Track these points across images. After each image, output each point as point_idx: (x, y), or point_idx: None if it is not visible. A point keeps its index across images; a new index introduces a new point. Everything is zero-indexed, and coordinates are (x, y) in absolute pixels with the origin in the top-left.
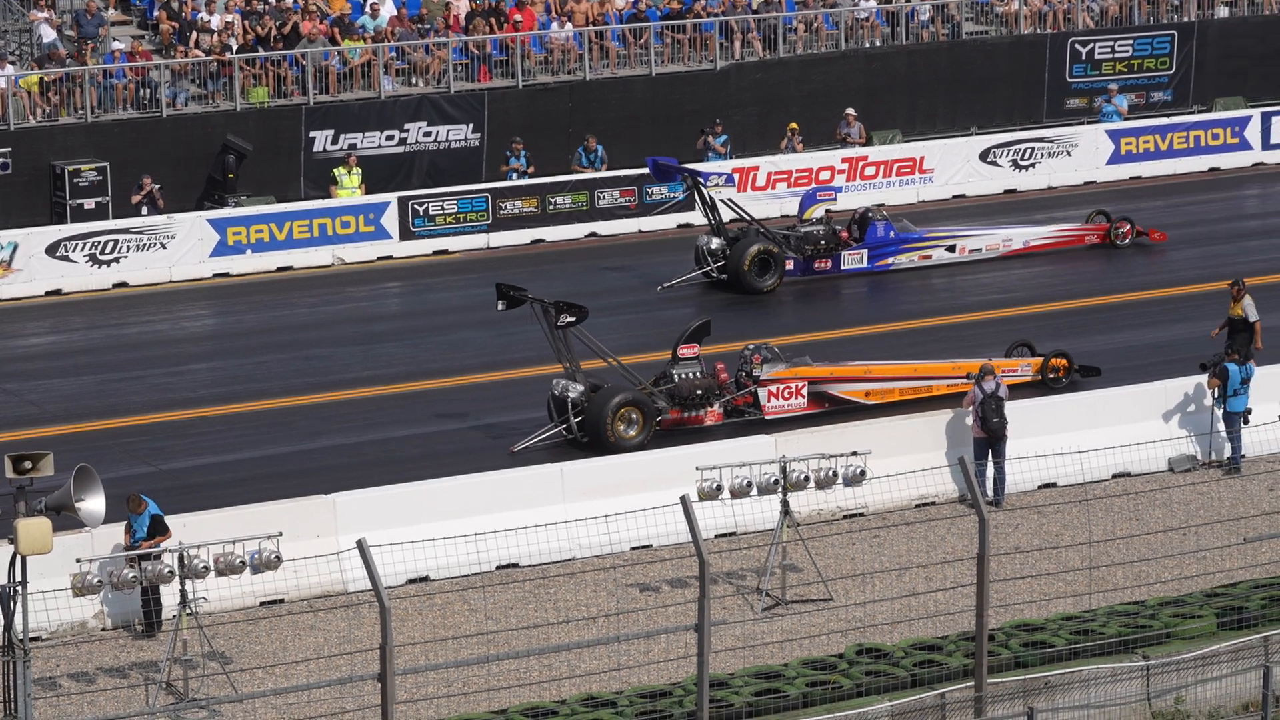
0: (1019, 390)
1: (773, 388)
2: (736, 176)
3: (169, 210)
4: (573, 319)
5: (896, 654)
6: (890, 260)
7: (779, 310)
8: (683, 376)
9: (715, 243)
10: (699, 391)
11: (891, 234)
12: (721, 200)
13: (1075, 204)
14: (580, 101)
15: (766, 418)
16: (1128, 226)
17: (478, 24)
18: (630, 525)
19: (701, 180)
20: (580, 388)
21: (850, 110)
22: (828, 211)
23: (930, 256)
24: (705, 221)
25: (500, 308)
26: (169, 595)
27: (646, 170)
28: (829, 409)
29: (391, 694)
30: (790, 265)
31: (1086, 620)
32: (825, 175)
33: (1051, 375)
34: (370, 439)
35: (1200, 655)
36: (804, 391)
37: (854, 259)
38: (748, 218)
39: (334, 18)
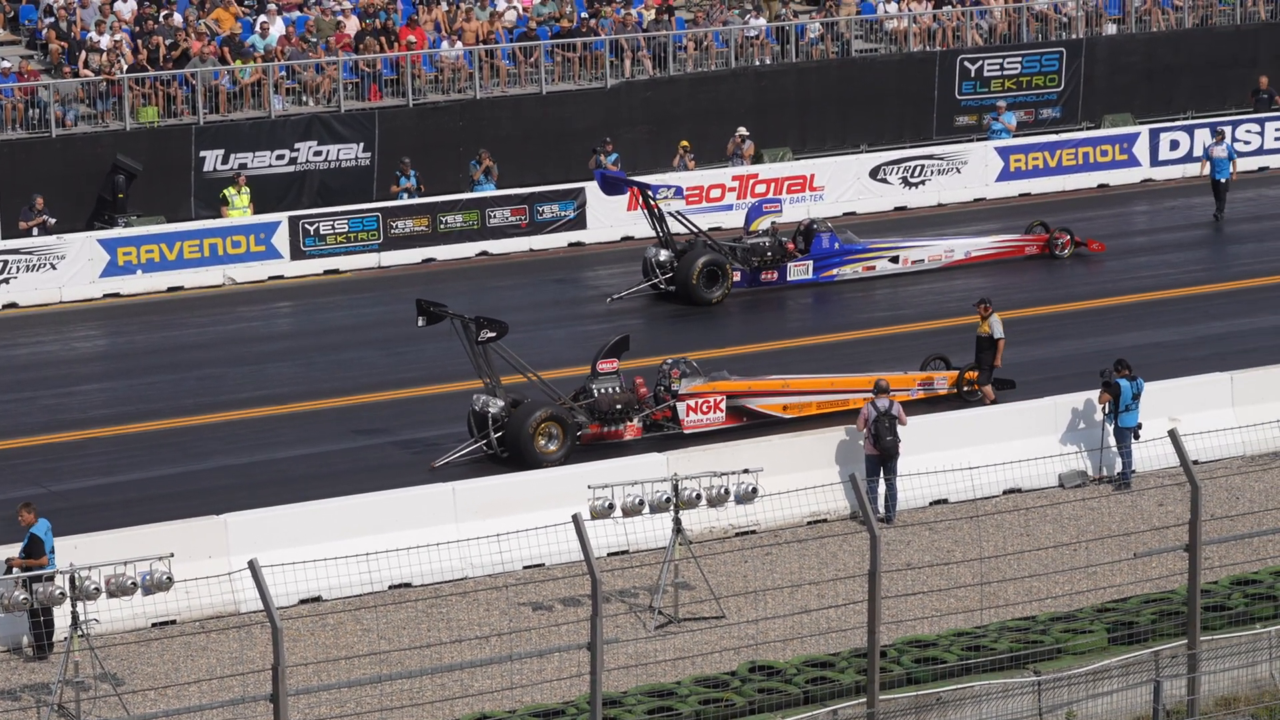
0: (934, 404)
1: (691, 402)
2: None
3: (58, 231)
4: (493, 334)
5: (789, 671)
6: (835, 271)
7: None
8: (602, 391)
9: (663, 255)
10: (618, 406)
11: (836, 245)
12: (670, 213)
13: (966, 221)
14: (471, 120)
15: (685, 432)
16: (1067, 237)
17: (368, 43)
18: (523, 544)
19: (650, 193)
20: (500, 403)
21: (742, 130)
22: (773, 223)
23: (874, 267)
24: (653, 234)
25: (420, 324)
26: (60, 617)
27: (539, 189)
28: (747, 423)
29: (284, 715)
30: (737, 277)
31: (978, 636)
32: (716, 193)
33: (967, 388)
34: (262, 459)
35: (1091, 670)
36: (722, 406)
37: (799, 270)
38: (695, 230)
39: (223, 37)
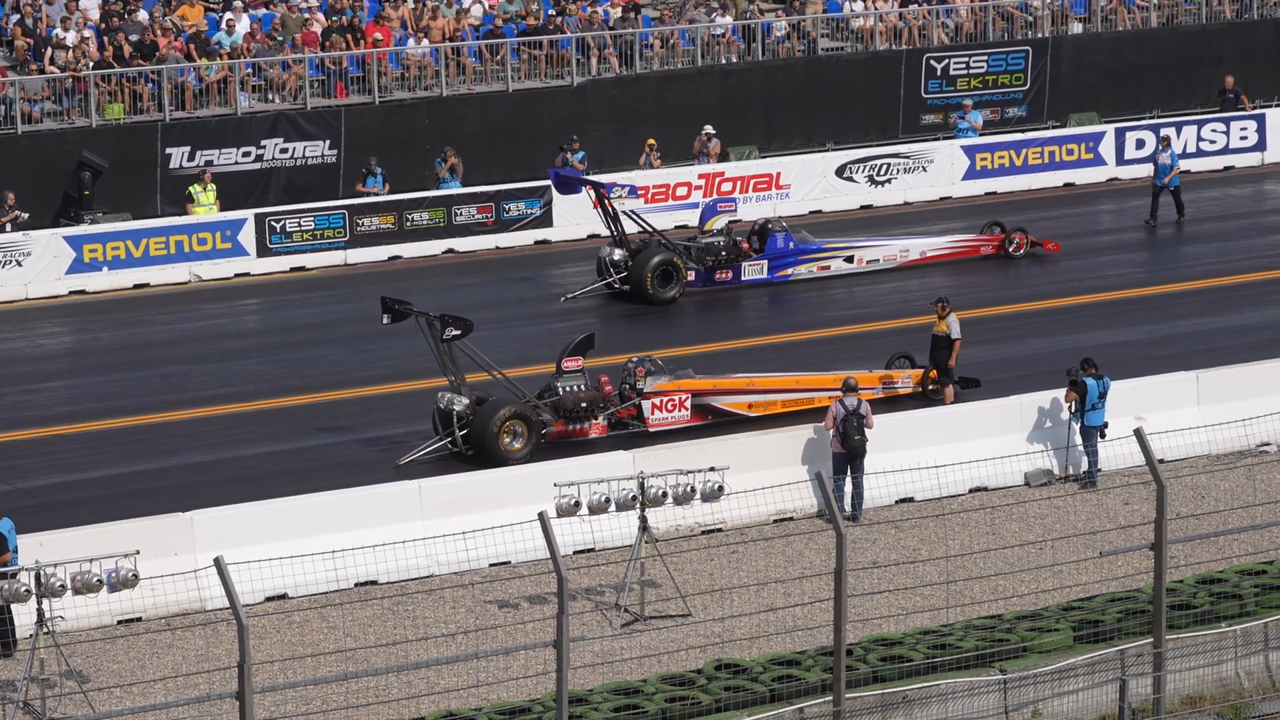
0: (899, 402)
1: (656, 400)
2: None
3: (24, 227)
4: (458, 333)
5: (755, 669)
6: (790, 271)
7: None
8: (567, 389)
9: (618, 254)
10: (583, 404)
11: (791, 245)
12: (624, 212)
13: (932, 219)
14: (437, 118)
15: (650, 430)
16: (1022, 237)
17: (334, 40)
18: (489, 542)
19: (605, 191)
20: (465, 401)
21: (708, 128)
22: (728, 223)
23: (829, 267)
24: (608, 232)
25: (385, 321)
26: (25, 614)
27: (505, 186)
28: (712, 421)
29: (250, 712)
30: (691, 276)
31: (944, 634)
32: (682, 191)
33: (932, 387)
34: (228, 456)
35: (1057, 669)
36: (687, 404)
37: (754, 270)
38: (649, 229)
39: (190, 34)
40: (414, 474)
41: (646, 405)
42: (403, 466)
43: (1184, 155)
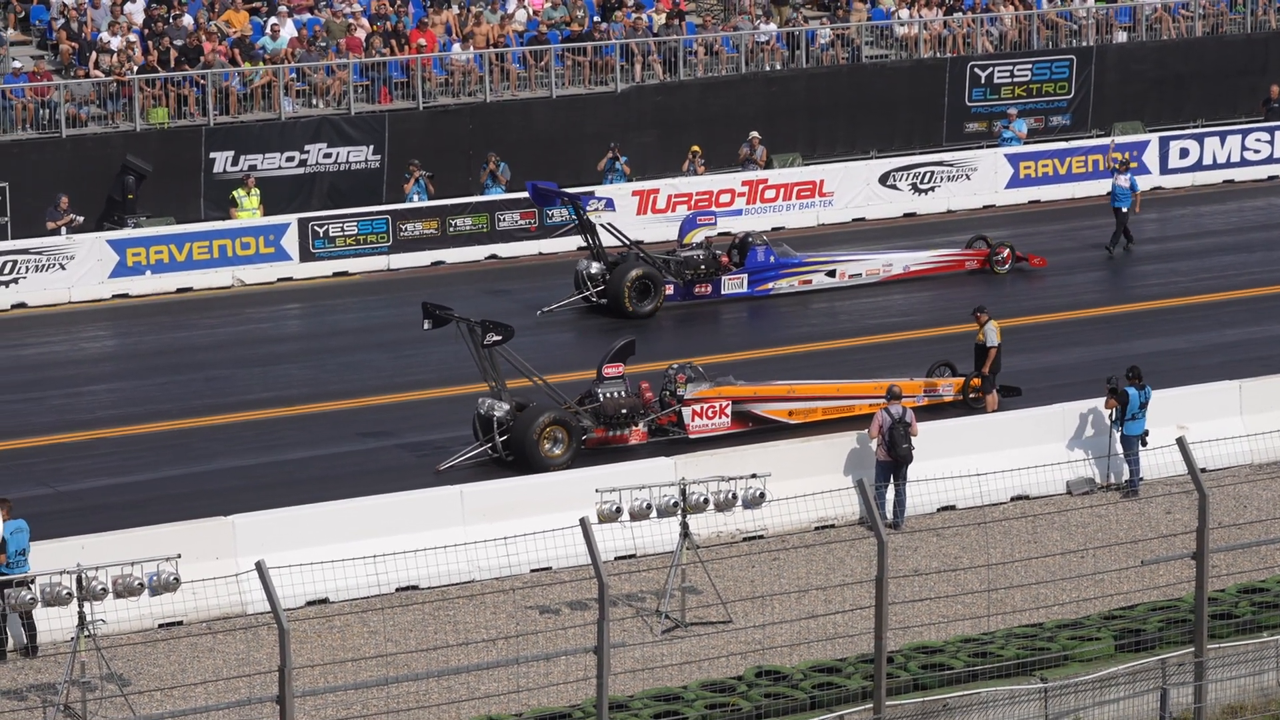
0: (940, 410)
1: (697, 407)
2: (615, 201)
3: (78, 231)
4: (499, 338)
5: (795, 676)
6: (770, 285)
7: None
8: (608, 396)
9: (595, 267)
10: (624, 411)
11: (771, 259)
12: (601, 225)
13: (974, 228)
14: (481, 123)
15: (690, 437)
16: (1007, 252)
17: (374, 43)
18: (530, 547)
19: (581, 205)
20: (506, 406)
21: (755, 134)
22: (707, 237)
23: (810, 281)
24: (585, 245)
25: (426, 327)
26: (66, 617)
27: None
28: (752, 428)
29: (290, 716)
30: (670, 290)
31: (985, 642)
32: (726, 198)
33: (973, 395)
34: (269, 460)
35: (1098, 677)
36: (728, 411)
37: (734, 284)
38: (627, 242)
39: (234, 39)
40: (455, 479)
41: (687, 412)
42: (443, 472)
43: (1229, 164)
